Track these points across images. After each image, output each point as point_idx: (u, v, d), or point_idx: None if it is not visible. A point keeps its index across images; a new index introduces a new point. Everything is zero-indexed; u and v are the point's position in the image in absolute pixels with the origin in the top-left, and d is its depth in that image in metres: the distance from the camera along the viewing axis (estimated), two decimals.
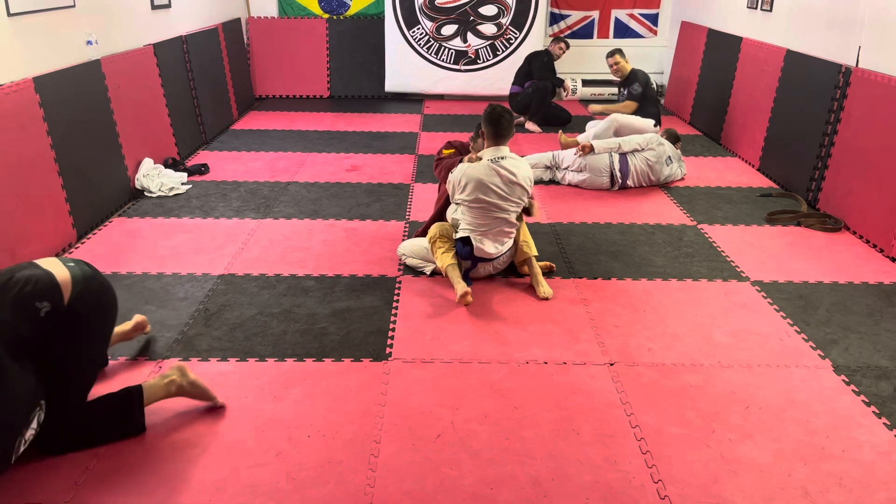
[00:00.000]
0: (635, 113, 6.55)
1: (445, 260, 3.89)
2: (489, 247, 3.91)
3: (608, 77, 9.26)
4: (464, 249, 3.90)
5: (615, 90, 9.02)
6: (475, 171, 3.84)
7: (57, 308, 2.49)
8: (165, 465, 2.56)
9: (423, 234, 4.20)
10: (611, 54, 6.90)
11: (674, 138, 5.97)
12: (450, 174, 4.02)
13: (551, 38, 8.32)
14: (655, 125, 6.28)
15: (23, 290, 2.44)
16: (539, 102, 7.64)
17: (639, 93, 6.68)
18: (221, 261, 4.25)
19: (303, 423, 2.79)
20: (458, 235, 3.96)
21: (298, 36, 8.92)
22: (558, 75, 8.02)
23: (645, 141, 5.71)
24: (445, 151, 4.40)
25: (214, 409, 2.86)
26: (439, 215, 4.24)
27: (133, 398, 2.71)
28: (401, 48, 8.75)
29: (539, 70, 7.75)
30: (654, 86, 6.91)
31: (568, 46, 8.00)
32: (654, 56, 9.37)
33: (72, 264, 2.63)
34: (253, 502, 2.40)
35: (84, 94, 4.75)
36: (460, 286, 3.74)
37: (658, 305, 3.81)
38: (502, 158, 3.85)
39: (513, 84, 7.92)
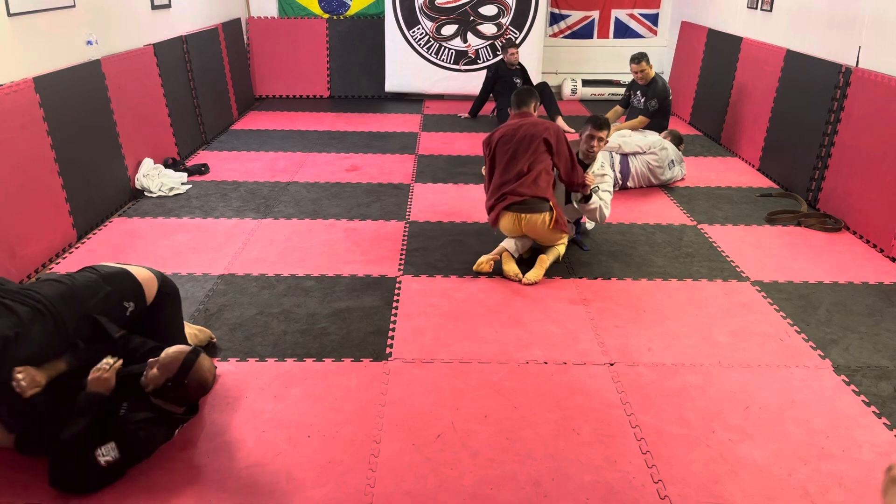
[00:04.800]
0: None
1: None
2: None
3: (608, 77, 9.30)
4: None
5: (615, 90, 9.07)
6: None
7: (140, 305, 2.83)
8: (165, 465, 2.56)
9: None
10: (636, 60, 6.30)
11: (677, 139, 5.92)
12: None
13: (501, 45, 8.00)
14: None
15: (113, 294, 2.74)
16: (550, 100, 7.54)
17: (654, 109, 6.27)
18: (221, 261, 4.25)
19: (303, 423, 2.79)
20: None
21: (298, 36, 8.92)
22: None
23: (647, 144, 5.67)
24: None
25: (214, 409, 2.86)
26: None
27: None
28: (401, 48, 8.75)
29: (518, 84, 7.63)
30: (671, 97, 6.46)
31: (517, 47, 7.81)
32: (654, 56, 9.35)
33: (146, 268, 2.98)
34: (253, 502, 2.40)
35: (84, 94, 4.75)
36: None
37: (658, 305, 3.81)
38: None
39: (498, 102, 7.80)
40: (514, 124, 4.22)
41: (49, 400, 2.45)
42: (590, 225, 4.75)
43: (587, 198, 4.28)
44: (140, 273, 2.88)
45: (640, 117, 6.29)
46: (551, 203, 4.07)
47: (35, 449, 2.52)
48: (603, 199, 4.32)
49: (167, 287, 2.96)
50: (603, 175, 4.38)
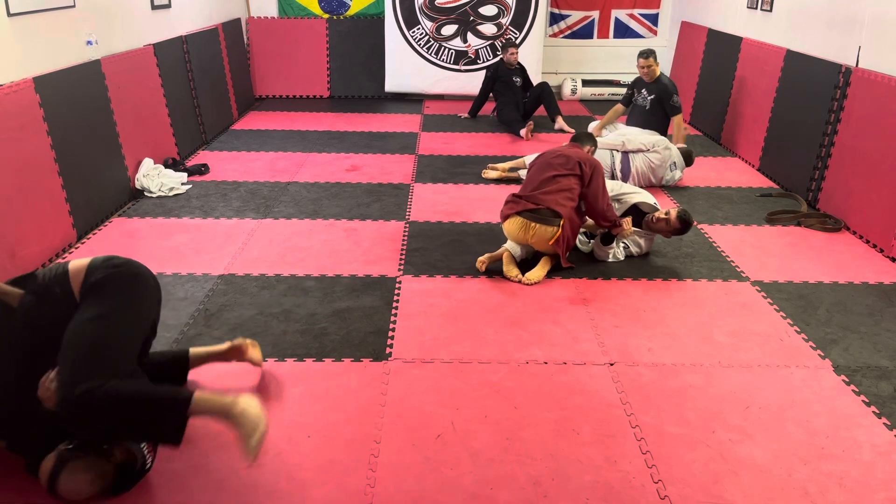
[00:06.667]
0: (647, 122, 6.30)
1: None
2: None
3: (608, 77, 9.31)
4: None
5: (615, 90, 9.07)
6: None
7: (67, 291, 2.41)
8: (165, 465, 2.56)
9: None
10: (644, 56, 6.25)
11: (688, 155, 5.81)
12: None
13: (500, 45, 8.10)
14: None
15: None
16: (550, 100, 7.55)
17: (679, 104, 6.21)
18: (221, 261, 4.25)
19: (303, 423, 2.79)
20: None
21: (298, 36, 8.92)
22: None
23: (651, 143, 5.64)
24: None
25: None
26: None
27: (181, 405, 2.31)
28: (401, 48, 8.75)
29: (518, 84, 7.66)
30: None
31: (517, 47, 7.86)
32: None
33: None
34: (253, 502, 2.40)
35: (84, 94, 4.75)
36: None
37: (658, 305, 3.81)
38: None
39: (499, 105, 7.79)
40: (562, 147, 4.41)
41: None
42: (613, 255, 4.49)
43: (608, 239, 4.26)
44: (77, 262, 2.50)
45: (678, 117, 6.24)
46: (562, 221, 4.03)
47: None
48: (618, 251, 4.33)
49: (95, 275, 2.42)
50: (638, 241, 4.39)
